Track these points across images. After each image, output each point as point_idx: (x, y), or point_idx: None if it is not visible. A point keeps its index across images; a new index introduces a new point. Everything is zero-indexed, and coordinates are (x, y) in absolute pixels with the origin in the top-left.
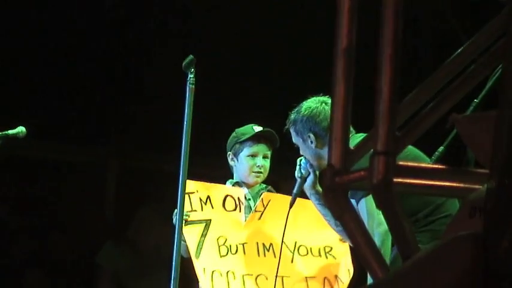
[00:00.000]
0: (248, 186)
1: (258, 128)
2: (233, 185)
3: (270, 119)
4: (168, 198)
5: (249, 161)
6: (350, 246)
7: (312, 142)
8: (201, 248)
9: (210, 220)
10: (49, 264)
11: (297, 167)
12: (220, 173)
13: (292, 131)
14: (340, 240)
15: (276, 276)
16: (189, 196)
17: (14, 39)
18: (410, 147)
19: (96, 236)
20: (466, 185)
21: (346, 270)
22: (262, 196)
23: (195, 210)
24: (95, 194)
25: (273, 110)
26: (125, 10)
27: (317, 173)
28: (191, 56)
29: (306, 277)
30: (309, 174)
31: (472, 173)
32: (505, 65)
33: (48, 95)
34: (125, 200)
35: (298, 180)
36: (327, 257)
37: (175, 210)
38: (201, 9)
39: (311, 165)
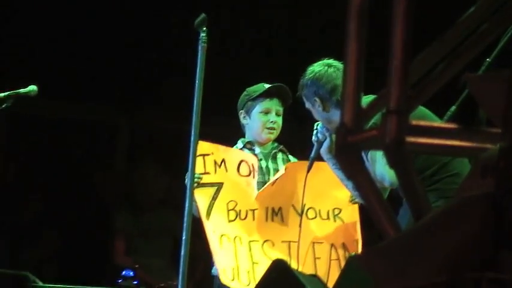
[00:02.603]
0: (260, 144)
1: (269, 86)
2: (245, 144)
3: (283, 79)
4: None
5: (262, 117)
6: (359, 209)
7: (319, 106)
8: (210, 211)
9: (222, 183)
10: (63, 224)
11: (314, 132)
12: (232, 132)
13: (303, 96)
14: (350, 202)
15: (298, 242)
16: (203, 158)
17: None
18: (420, 106)
19: (108, 195)
20: (478, 145)
21: (354, 239)
22: (281, 168)
23: (208, 173)
24: (106, 153)
25: (285, 71)
26: None
27: (333, 137)
28: (203, 15)
29: (313, 242)
30: (326, 138)
31: (484, 132)
32: None
33: (59, 54)
34: (136, 159)
35: (315, 144)
36: (335, 220)
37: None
38: None
39: (327, 130)
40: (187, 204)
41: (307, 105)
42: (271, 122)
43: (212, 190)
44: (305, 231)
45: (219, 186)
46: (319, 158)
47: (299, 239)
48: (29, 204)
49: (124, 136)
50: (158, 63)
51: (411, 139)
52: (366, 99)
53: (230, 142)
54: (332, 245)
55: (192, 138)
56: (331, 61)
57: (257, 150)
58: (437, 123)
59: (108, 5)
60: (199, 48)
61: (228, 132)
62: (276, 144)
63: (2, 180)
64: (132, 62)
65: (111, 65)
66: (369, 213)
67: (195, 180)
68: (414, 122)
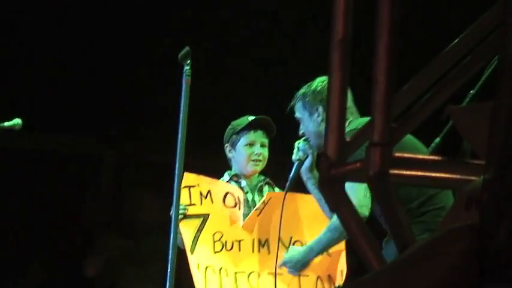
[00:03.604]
0: (246, 177)
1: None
2: (231, 177)
3: (267, 109)
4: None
5: (247, 150)
6: (345, 242)
7: (318, 115)
8: (196, 243)
9: (208, 215)
10: (48, 257)
11: (295, 150)
12: (218, 164)
13: (299, 105)
14: None
15: (275, 274)
16: (189, 189)
17: (6, 29)
18: (408, 136)
19: (92, 228)
20: (463, 177)
21: (339, 271)
22: (264, 196)
23: (194, 204)
24: (90, 186)
25: (270, 101)
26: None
27: (315, 155)
28: (187, 48)
29: (299, 275)
30: (307, 157)
31: (468, 164)
32: (501, 55)
33: (44, 86)
34: (121, 192)
35: (296, 163)
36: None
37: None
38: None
39: (310, 147)
40: (172, 236)
41: (301, 114)
42: (256, 154)
43: (198, 221)
44: None
45: (205, 217)
46: (299, 179)
47: (285, 271)
48: (13, 237)
49: (109, 168)
50: (143, 94)
51: (395, 171)
52: (362, 121)
53: (217, 174)
54: (318, 277)
55: (177, 172)
56: None
57: (243, 183)
58: (421, 155)
59: (91, 36)
60: (183, 81)
61: (215, 165)
62: (262, 177)
63: None
64: (116, 93)
65: (96, 97)
66: (353, 245)
67: (181, 212)
68: (398, 154)
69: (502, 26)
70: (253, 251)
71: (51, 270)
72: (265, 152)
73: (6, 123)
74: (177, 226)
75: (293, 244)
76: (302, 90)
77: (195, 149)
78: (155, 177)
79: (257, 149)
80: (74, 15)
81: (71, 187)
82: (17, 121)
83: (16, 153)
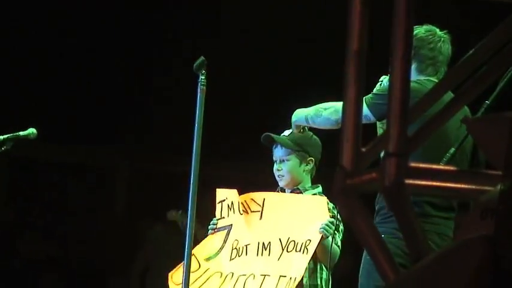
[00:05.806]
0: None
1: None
2: (277, 190)
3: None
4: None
5: (274, 166)
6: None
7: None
8: (217, 253)
9: (231, 225)
10: (63, 267)
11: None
12: (240, 176)
13: None
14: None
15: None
16: (221, 204)
17: (22, 42)
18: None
19: (107, 238)
20: (478, 187)
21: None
22: (250, 197)
23: (223, 217)
24: (105, 196)
25: (285, 110)
26: (137, 12)
27: None
28: (202, 58)
29: (280, 275)
30: None
31: (483, 174)
32: None
33: (61, 97)
34: (136, 202)
35: None
36: (303, 252)
37: (213, 219)
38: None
39: None
40: (187, 243)
41: None
42: (277, 170)
43: (224, 233)
44: (281, 265)
45: (229, 228)
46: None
47: (273, 273)
48: (29, 247)
49: (123, 179)
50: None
51: (410, 181)
52: None
53: (242, 186)
54: (280, 276)
55: (192, 179)
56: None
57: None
58: (437, 165)
59: (108, 47)
60: (199, 90)
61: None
62: (311, 189)
63: (1, 223)
64: (131, 104)
65: (110, 108)
66: (369, 255)
67: (212, 226)
68: (413, 164)
69: None
70: (257, 254)
71: (65, 280)
72: (285, 166)
73: (22, 133)
74: (192, 233)
75: (288, 245)
76: None
77: (215, 159)
78: (168, 187)
79: (276, 165)
80: (88, 26)
81: (85, 197)
82: (32, 131)
83: (30, 163)
